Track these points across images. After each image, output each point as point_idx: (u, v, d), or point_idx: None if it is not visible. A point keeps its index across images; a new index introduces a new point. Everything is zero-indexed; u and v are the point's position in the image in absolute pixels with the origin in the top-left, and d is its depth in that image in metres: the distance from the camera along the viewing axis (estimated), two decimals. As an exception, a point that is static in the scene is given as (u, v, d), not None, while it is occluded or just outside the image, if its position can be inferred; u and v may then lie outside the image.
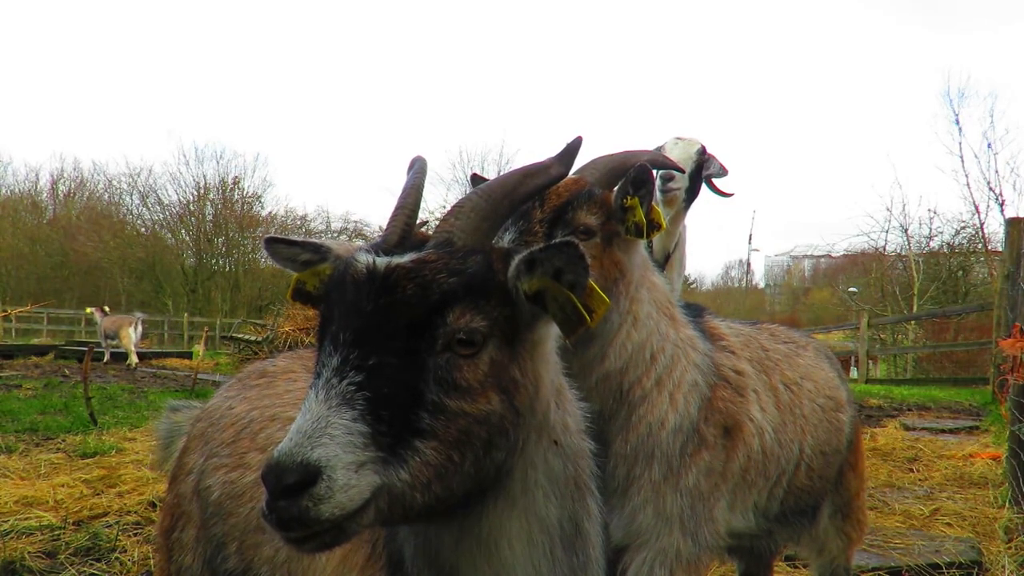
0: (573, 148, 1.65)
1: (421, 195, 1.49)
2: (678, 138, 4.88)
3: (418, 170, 1.55)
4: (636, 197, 2.14)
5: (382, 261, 1.27)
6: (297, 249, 1.49)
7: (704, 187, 4.94)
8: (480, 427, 1.24)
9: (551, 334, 1.41)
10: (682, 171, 4.50)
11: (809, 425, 2.57)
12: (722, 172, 5.04)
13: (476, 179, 2.49)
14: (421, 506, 1.21)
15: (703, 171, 4.86)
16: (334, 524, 1.12)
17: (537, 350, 1.38)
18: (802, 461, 2.53)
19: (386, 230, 1.40)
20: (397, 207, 1.43)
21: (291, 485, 1.08)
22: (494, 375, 1.27)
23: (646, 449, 2.22)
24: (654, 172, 2.21)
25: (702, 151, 4.82)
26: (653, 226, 2.15)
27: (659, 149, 4.98)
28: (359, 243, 1.40)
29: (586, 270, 1.27)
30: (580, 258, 1.26)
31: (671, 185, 4.52)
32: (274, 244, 1.50)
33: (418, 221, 1.43)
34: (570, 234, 2.10)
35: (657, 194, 4.51)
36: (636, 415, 2.22)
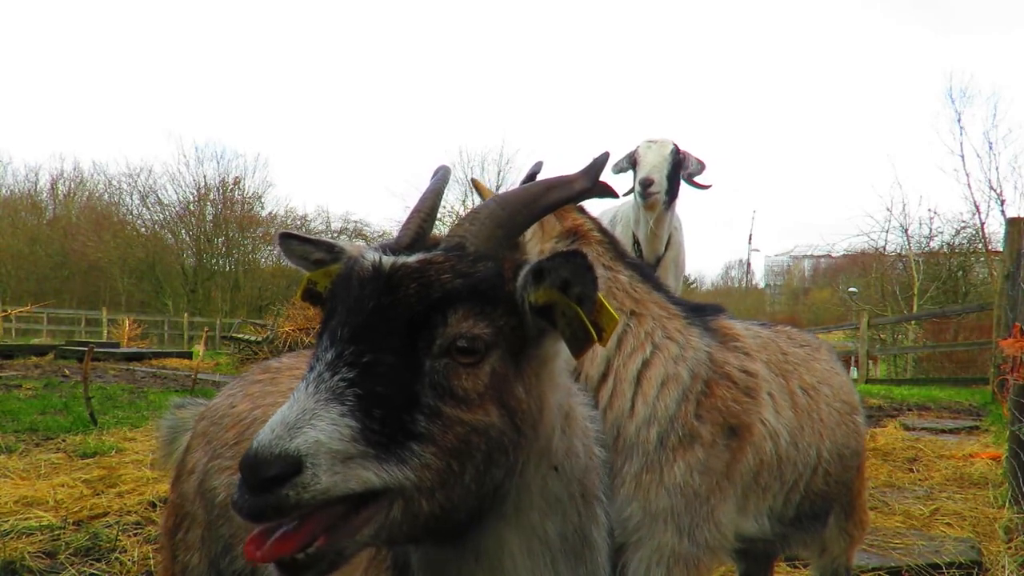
0: (599, 163, 1.59)
1: (439, 201, 1.48)
2: (650, 141, 4.89)
3: (440, 177, 1.55)
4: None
5: (388, 259, 1.25)
6: (310, 247, 1.48)
7: (684, 184, 4.94)
8: (479, 438, 1.19)
9: (560, 353, 1.36)
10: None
11: (827, 429, 2.54)
12: (700, 167, 5.05)
13: (477, 185, 2.51)
14: (427, 515, 1.16)
15: (681, 170, 4.87)
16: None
17: (544, 369, 1.33)
18: (820, 465, 2.50)
19: (400, 231, 1.38)
20: (414, 210, 1.42)
21: (269, 478, 1.04)
22: (495, 388, 1.22)
23: (619, 442, 2.21)
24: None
25: (675, 151, 4.83)
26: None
27: (632, 153, 4.99)
28: (373, 244, 1.39)
29: (594, 282, 1.22)
30: (588, 269, 1.21)
31: (651, 190, 4.53)
32: (287, 240, 1.49)
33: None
34: None
35: (637, 199, 4.54)
36: (603, 406, 2.22)
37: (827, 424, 2.55)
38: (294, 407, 1.11)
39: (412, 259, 1.25)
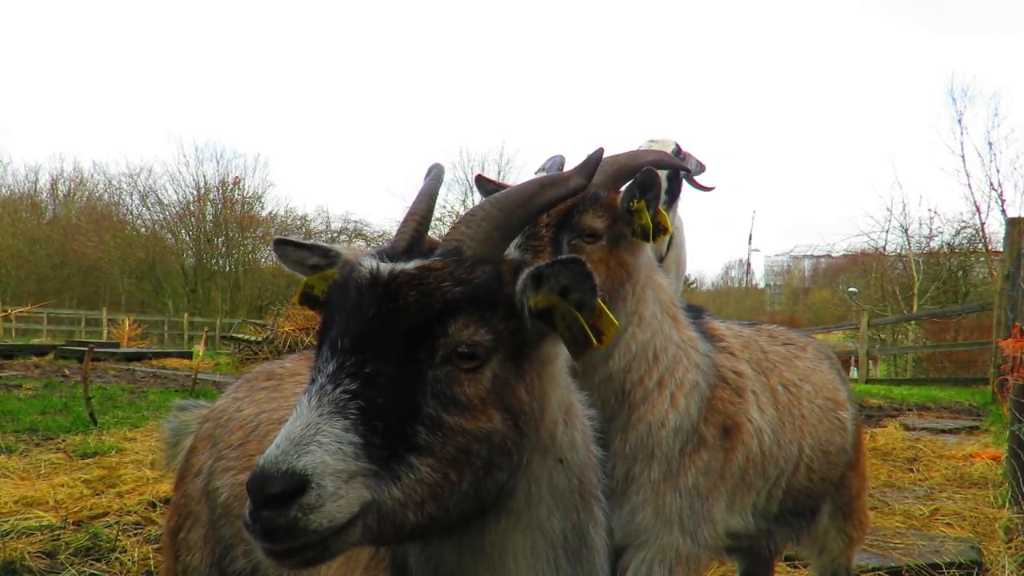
0: (594, 160, 1.59)
1: (435, 202, 1.47)
2: (651, 140, 4.87)
3: (434, 177, 1.54)
4: (643, 200, 2.13)
5: (386, 266, 1.24)
6: (305, 252, 1.48)
7: (685, 184, 4.93)
8: (480, 446, 1.19)
9: (560, 353, 1.36)
10: (688, 170, 4.49)
11: (808, 426, 2.57)
12: (700, 168, 5.04)
13: (481, 181, 2.48)
14: (413, 525, 1.16)
15: (681, 170, 4.86)
16: (321, 538, 1.07)
17: (545, 369, 1.33)
18: (801, 462, 2.54)
19: (396, 236, 1.37)
20: (408, 213, 1.41)
21: (276, 495, 1.04)
22: (496, 392, 1.22)
23: (646, 449, 2.22)
24: (661, 174, 2.20)
25: (677, 150, 4.82)
26: (659, 229, 2.15)
27: None
28: (369, 248, 1.38)
29: (593, 289, 1.22)
30: (587, 276, 1.21)
31: None
32: (283, 246, 1.48)
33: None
34: (576, 238, 2.11)
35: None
36: (637, 415, 2.22)
37: (809, 421, 2.58)
38: (298, 422, 1.11)
39: (410, 266, 1.24)
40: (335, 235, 38.97)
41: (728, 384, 2.37)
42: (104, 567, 3.82)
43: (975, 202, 27.78)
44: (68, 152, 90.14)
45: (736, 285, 55.80)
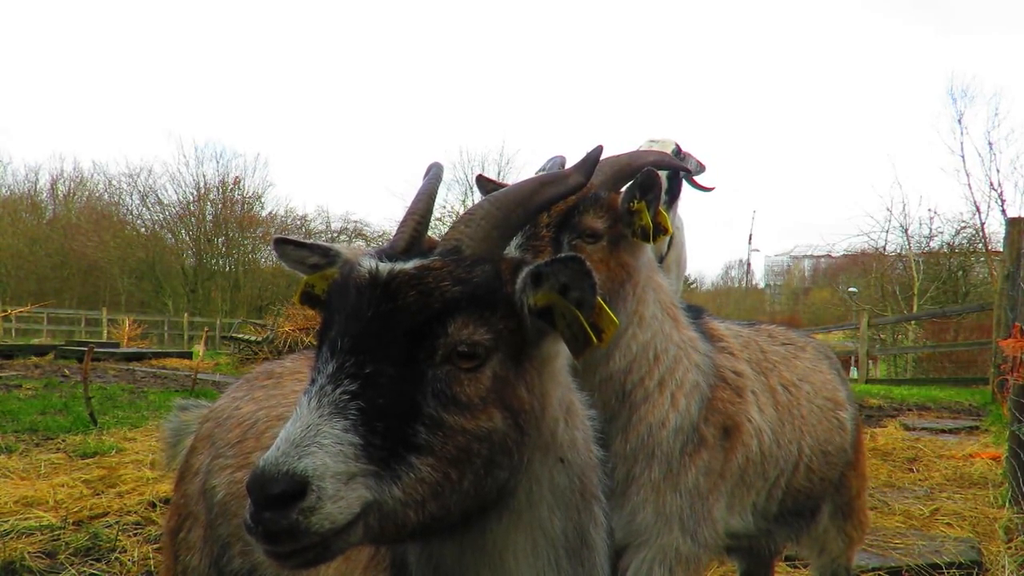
0: (593, 158, 1.59)
1: (434, 202, 1.47)
2: (651, 140, 4.88)
3: (433, 176, 1.53)
4: (643, 201, 2.13)
5: (385, 266, 1.24)
6: (306, 252, 1.48)
7: (685, 184, 4.93)
8: (481, 445, 1.19)
9: (560, 351, 1.36)
10: (688, 171, 4.48)
11: (808, 426, 2.57)
12: (700, 168, 5.04)
13: (481, 181, 2.48)
14: (415, 524, 1.17)
15: (681, 170, 4.86)
16: (323, 539, 1.08)
17: (546, 368, 1.33)
18: (800, 462, 2.54)
19: (395, 236, 1.37)
20: (408, 213, 1.41)
21: (276, 495, 1.04)
22: (497, 391, 1.22)
23: (646, 449, 2.22)
24: (661, 175, 2.20)
25: (677, 150, 4.82)
26: (660, 230, 2.15)
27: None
28: (369, 247, 1.37)
29: (593, 288, 1.22)
30: (586, 275, 1.21)
31: None
32: (283, 245, 1.48)
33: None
34: (576, 238, 2.11)
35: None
36: (637, 415, 2.22)
37: (808, 420, 2.58)
38: (298, 423, 1.11)
39: (409, 265, 1.24)
40: (335, 235, 39.01)
41: (728, 384, 2.38)
42: (104, 567, 3.82)
43: (975, 202, 27.86)
44: (68, 152, 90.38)
45: (736, 285, 55.79)
